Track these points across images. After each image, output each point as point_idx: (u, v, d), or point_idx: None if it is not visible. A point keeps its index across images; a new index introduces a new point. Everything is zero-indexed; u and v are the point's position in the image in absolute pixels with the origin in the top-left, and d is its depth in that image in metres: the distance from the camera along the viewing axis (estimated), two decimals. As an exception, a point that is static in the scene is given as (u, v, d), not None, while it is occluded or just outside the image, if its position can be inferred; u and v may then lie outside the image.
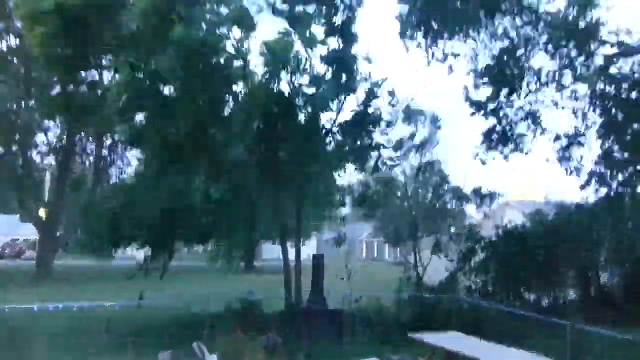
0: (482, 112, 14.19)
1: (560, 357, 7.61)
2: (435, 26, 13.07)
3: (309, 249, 30.02)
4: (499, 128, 14.48)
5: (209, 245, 15.07)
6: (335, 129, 13.70)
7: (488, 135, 14.58)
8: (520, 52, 13.35)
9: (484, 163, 14.66)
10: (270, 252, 48.79)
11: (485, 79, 13.82)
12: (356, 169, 14.75)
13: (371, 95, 13.63)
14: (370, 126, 13.80)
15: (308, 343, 9.91)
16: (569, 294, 15.46)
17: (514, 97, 13.98)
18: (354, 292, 12.47)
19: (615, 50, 12.32)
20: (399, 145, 14.87)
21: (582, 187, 14.71)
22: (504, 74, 13.46)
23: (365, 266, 39.26)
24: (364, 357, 7.97)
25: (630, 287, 14.92)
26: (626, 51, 12.14)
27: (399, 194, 16.04)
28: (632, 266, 15.04)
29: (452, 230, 16.52)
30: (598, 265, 15.49)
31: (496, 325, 11.49)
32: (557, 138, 14.38)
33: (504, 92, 13.87)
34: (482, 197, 15.46)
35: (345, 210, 16.95)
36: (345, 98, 13.54)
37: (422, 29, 13.25)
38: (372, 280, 22.72)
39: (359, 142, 13.92)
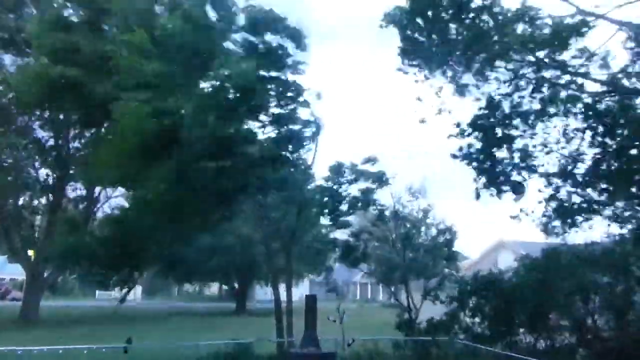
0: (470, 162, 14.38)
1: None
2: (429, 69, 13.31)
3: (301, 291, 29.74)
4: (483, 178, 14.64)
5: (199, 286, 14.93)
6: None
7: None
8: (509, 98, 13.57)
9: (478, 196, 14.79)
10: (262, 294, 48.29)
11: (471, 130, 14.01)
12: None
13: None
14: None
15: (300, 388, 9.66)
16: (565, 337, 15.27)
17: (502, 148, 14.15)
18: (347, 335, 12.24)
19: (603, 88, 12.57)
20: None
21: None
22: (492, 121, 13.65)
23: (358, 308, 38.84)
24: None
25: (626, 333, 14.80)
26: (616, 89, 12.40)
27: (389, 236, 15.99)
28: (626, 312, 14.97)
29: (446, 271, 16.41)
30: (594, 309, 15.38)
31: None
32: (546, 176, 14.47)
33: (492, 140, 14.02)
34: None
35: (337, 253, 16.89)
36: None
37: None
38: (365, 322, 22.38)
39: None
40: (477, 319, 15.24)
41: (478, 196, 14.33)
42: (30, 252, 27.73)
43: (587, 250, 15.08)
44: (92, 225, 22.85)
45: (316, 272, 21.98)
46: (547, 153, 13.94)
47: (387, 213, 15.60)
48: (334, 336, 12.25)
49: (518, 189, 14.24)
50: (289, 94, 12.33)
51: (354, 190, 14.64)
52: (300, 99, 12.34)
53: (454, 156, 14.34)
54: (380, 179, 14.59)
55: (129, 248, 11.22)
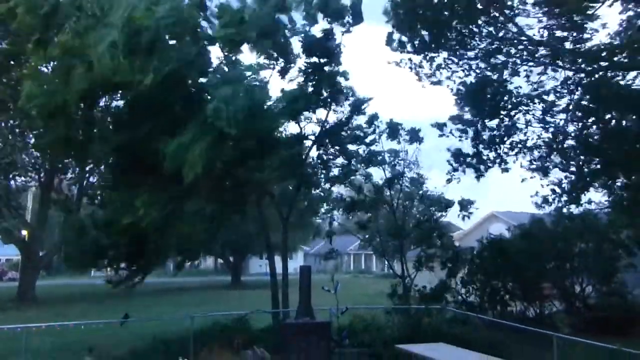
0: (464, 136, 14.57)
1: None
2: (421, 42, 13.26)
3: (296, 263, 30.01)
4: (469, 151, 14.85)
5: (196, 261, 15.07)
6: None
7: (457, 156, 14.97)
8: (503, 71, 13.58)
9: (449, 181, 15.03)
10: (257, 266, 48.69)
11: (465, 101, 14.09)
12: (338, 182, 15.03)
13: (355, 110, 13.91)
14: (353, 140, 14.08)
15: (295, 357, 9.85)
16: (554, 305, 15.63)
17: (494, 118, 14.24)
18: (341, 305, 12.44)
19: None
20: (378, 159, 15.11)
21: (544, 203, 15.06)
22: (485, 94, 13.69)
23: (352, 278, 39.33)
24: (352, 370, 7.94)
25: (612, 299, 15.18)
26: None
27: (385, 206, 16.07)
28: (612, 278, 15.33)
29: (439, 242, 16.58)
30: (582, 277, 15.72)
31: (483, 335, 11.55)
32: (531, 150, 14.64)
33: (485, 112, 14.10)
34: (461, 205, 15.58)
35: (332, 224, 16.94)
36: (328, 114, 13.86)
37: (410, 45, 13.46)
38: (359, 293, 22.72)
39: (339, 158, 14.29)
40: (469, 287, 15.55)
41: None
42: (24, 232, 27.69)
43: (575, 220, 15.33)
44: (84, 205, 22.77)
45: (318, 236, 21.94)
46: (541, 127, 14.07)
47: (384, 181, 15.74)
48: (329, 306, 12.44)
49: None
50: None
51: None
52: None
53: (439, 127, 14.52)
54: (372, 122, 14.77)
55: (139, 238, 11.12)
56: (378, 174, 15.94)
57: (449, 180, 15.33)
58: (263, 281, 27.53)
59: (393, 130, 15.31)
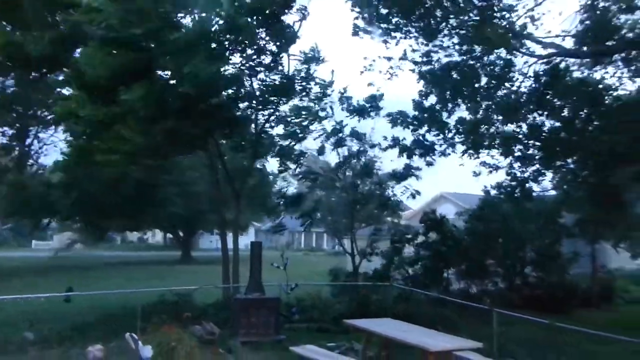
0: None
1: (487, 340, 8.03)
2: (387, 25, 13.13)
3: (248, 239, 29.93)
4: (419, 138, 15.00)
5: (144, 235, 14.76)
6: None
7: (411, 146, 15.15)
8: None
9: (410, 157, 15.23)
10: (208, 242, 48.27)
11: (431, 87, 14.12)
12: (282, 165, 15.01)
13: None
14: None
15: (245, 332, 9.90)
16: (495, 282, 16.35)
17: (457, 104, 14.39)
18: (291, 281, 12.55)
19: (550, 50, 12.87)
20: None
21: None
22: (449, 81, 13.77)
23: (303, 256, 39.69)
24: (301, 344, 8.06)
25: (551, 278, 16.10)
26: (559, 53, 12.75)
27: (337, 184, 16.17)
28: (549, 259, 16.19)
29: (389, 220, 16.91)
30: (523, 256, 16.51)
31: (428, 311, 11.97)
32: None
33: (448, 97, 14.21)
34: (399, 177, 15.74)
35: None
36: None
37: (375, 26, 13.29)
38: (309, 270, 22.97)
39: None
40: (415, 267, 16.00)
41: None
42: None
43: (522, 203, 15.98)
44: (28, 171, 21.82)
45: (268, 216, 21.89)
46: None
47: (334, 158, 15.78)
48: (279, 282, 12.53)
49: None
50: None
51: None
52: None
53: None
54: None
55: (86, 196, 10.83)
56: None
57: (409, 156, 15.31)
58: (213, 257, 27.35)
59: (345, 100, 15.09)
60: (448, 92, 13.97)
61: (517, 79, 13.46)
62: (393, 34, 13.10)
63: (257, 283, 10.77)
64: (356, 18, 12.92)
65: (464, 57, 13.34)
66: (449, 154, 15.08)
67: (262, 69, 12.77)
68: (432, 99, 14.47)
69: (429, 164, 15.14)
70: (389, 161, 16.02)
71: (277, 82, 12.97)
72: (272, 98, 13.18)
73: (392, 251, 15.84)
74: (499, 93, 13.85)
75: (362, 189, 16.04)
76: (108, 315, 11.39)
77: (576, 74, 13.05)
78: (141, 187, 14.78)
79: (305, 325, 11.49)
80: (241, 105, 13.39)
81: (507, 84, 13.57)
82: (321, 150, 15.64)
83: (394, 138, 15.26)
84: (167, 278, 21.67)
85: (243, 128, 13.53)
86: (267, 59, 12.74)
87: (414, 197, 15.93)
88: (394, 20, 12.70)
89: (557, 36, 12.61)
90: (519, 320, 9.61)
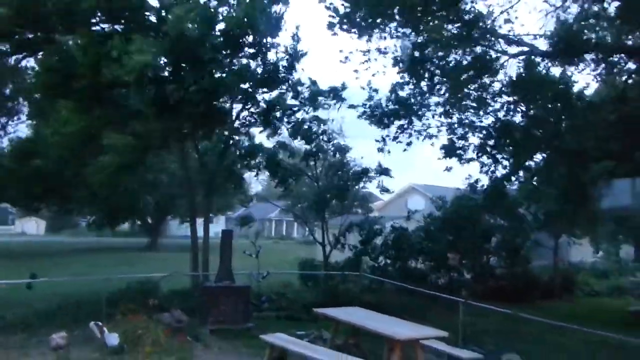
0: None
1: (453, 329, 8.21)
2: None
3: (218, 227, 29.70)
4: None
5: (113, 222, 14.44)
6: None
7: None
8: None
9: (381, 150, 15.24)
10: (177, 229, 47.65)
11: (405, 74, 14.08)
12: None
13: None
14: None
15: (213, 320, 9.84)
16: (462, 274, 16.69)
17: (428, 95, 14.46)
18: (261, 270, 12.53)
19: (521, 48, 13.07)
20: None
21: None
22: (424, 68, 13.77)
23: (273, 244, 39.63)
24: (270, 332, 8.06)
25: (515, 270, 16.56)
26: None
27: (309, 173, 16.13)
28: (513, 252, 16.65)
29: (360, 211, 17.03)
30: (490, 249, 16.90)
31: (397, 301, 12.16)
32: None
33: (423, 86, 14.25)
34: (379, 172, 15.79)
35: (255, 189, 16.82)
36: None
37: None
38: (280, 258, 22.96)
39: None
40: (383, 258, 16.17)
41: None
42: None
43: (488, 197, 16.28)
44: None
45: (238, 199, 21.61)
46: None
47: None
48: (249, 271, 12.49)
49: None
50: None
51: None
52: None
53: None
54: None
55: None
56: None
57: (380, 150, 15.31)
58: (182, 244, 27.03)
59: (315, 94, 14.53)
60: (423, 79, 13.94)
61: (492, 71, 13.57)
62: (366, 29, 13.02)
63: (227, 271, 10.71)
64: (330, 16, 12.78)
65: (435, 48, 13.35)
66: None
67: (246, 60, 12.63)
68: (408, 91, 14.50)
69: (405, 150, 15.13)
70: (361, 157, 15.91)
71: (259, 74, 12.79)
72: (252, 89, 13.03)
73: (363, 242, 15.93)
74: (472, 86, 13.95)
75: (332, 179, 16.01)
76: (72, 302, 11.15)
77: (546, 73, 13.30)
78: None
79: (275, 314, 11.51)
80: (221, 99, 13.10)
81: (484, 77, 13.66)
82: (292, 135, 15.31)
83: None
84: (135, 265, 21.32)
85: (221, 123, 13.26)
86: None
87: (382, 192, 16.08)
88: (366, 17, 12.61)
89: (527, 34, 12.86)
90: (484, 310, 9.85)
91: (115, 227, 38.63)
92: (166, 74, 11.78)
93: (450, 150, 14.77)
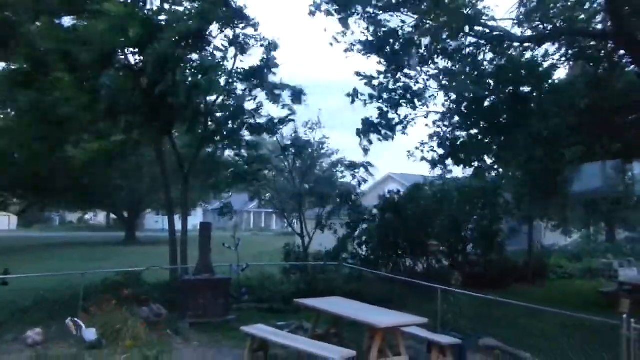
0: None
1: (431, 316, 8.33)
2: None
3: (196, 220, 29.52)
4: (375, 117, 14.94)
5: (85, 216, 14.15)
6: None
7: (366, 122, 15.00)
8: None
9: (365, 150, 15.14)
10: (153, 223, 47.14)
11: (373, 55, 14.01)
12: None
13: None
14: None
15: (193, 313, 9.80)
16: (440, 261, 16.92)
17: (399, 74, 14.38)
18: (240, 261, 12.49)
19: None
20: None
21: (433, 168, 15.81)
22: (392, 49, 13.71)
23: (252, 236, 39.55)
24: (251, 324, 8.06)
25: (492, 256, 16.87)
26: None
27: (285, 164, 16.10)
28: (489, 240, 16.94)
29: (338, 201, 17.05)
30: (467, 237, 17.16)
31: (376, 289, 12.27)
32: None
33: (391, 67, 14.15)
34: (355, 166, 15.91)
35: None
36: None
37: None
38: (259, 250, 22.95)
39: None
40: (364, 247, 16.28)
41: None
42: None
43: (464, 184, 16.51)
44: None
45: (215, 196, 21.47)
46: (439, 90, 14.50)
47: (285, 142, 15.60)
48: (228, 263, 12.45)
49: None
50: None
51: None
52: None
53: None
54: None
55: None
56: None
57: (366, 151, 15.25)
58: (159, 237, 26.79)
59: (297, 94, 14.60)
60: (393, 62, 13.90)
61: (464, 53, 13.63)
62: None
63: (207, 264, 10.65)
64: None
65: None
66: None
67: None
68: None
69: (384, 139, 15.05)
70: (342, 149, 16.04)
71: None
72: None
73: (346, 231, 15.97)
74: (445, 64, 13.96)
75: (310, 172, 16.05)
76: (48, 298, 10.95)
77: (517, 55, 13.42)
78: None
79: (255, 306, 11.51)
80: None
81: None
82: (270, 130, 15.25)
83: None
84: (112, 259, 21.05)
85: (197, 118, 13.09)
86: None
87: (360, 185, 16.26)
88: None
89: (502, 19, 12.94)
90: (461, 296, 10.02)
91: (88, 210, 37.84)
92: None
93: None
